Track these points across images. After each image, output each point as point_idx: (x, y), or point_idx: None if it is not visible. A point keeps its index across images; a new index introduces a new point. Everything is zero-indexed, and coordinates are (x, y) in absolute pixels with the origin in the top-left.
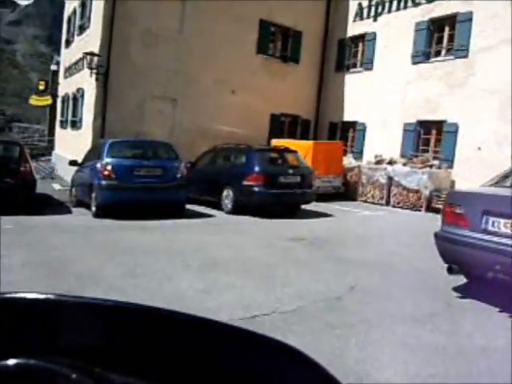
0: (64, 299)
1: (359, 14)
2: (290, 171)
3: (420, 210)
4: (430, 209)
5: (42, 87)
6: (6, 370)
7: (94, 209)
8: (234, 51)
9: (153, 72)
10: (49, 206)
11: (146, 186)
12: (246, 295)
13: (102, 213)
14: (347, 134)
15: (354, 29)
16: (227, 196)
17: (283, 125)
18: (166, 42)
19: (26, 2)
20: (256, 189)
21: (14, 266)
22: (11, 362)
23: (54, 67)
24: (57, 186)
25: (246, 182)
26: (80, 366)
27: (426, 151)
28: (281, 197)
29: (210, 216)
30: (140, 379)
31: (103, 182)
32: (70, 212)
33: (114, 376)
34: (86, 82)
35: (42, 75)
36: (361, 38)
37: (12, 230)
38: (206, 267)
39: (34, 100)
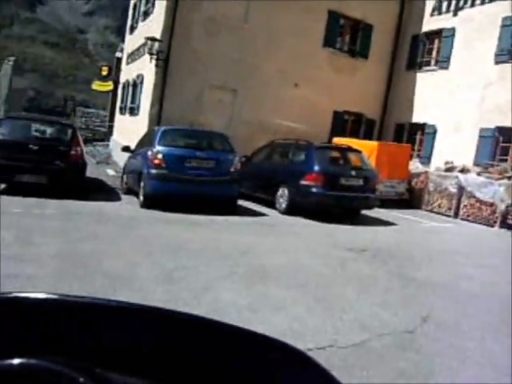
0: (66, 299)
1: (437, 8)
2: (353, 173)
3: (493, 226)
4: (504, 225)
5: (104, 73)
6: (10, 369)
7: (141, 198)
8: (299, 42)
9: (213, 61)
10: (100, 191)
11: (197, 178)
12: (299, 319)
13: (150, 203)
14: (415, 136)
15: (429, 24)
16: (282, 195)
17: (346, 123)
18: (229, 31)
19: None
20: (314, 189)
21: (43, 256)
22: (16, 361)
23: (118, 54)
24: (110, 172)
25: (303, 182)
26: (81, 366)
27: (505, 161)
28: (340, 200)
29: (262, 215)
30: (141, 379)
31: (153, 171)
32: (118, 199)
33: (115, 376)
34: (146, 68)
35: (109, 64)
36: (437, 33)
37: (54, 215)
38: (253, 275)
39: (97, 85)
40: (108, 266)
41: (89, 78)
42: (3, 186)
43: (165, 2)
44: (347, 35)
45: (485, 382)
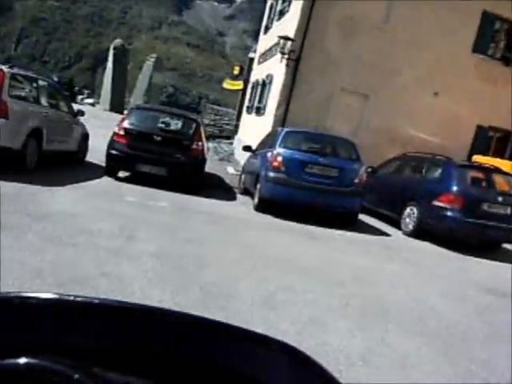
0: (67, 299)
1: None
2: (499, 199)
3: None
4: None
5: (236, 72)
6: (13, 369)
7: (256, 201)
8: (444, 47)
9: (346, 63)
10: (217, 188)
11: (318, 186)
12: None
13: (264, 207)
14: None
15: None
16: (410, 214)
17: (490, 140)
18: (366, 31)
19: None
20: (449, 213)
21: (143, 255)
22: (19, 361)
23: (251, 55)
24: (230, 170)
25: (437, 203)
26: (82, 366)
27: None
28: (481, 229)
29: (384, 234)
30: (141, 379)
31: (270, 174)
32: (233, 199)
33: (116, 376)
34: (277, 67)
35: (242, 64)
36: None
37: (166, 209)
38: (369, 312)
39: (227, 84)
40: (207, 277)
41: (223, 78)
42: (126, 174)
43: (301, 1)
44: (502, 41)
45: None
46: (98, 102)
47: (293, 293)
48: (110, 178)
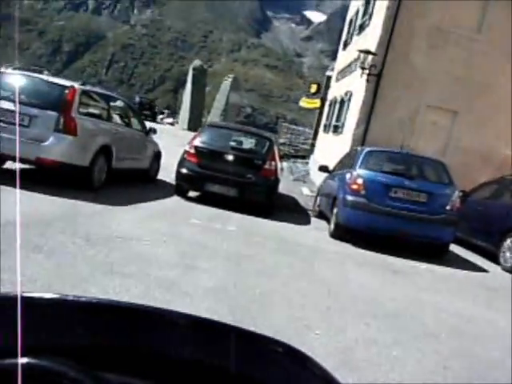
0: (66, 298)
1: None
2: None
3: None
4: None
5: (313, 90)
6: (16, 369)
7: (332, 226)
8: None
9: (433, 77)
10: (290, 210)
11: (403, 213)
12: None
13: (341, 234)
14: None
15: None
16: (510, 247)
17: None
18: (456, 42)
19: (319, 20)
20: None
21: (200, 289)
22: (23, 360)
23: (328, 73)
24: (305, 191)
25: None
26: (82, 366)
27: None
28: None
29: (479, 270)
30: (141, 380)
31: (349, 198)
32: (307, 222)
33: (116, 376)
34: (356, 84)
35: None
36: None
37: (233, 233)
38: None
39: (304, 102)
40: (273, 322)
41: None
42: (196, 193)
43: (384, 12)
44: None
45: None
46: (177, 122)
47: (375, 346)
48: (179, 198)
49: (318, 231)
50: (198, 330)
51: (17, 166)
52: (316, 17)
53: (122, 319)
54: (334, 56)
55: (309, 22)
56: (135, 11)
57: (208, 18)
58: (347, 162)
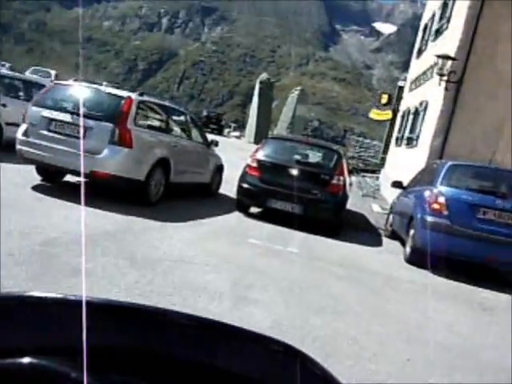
0: (67, 298)
1: None
2: None
3: None
4: None
5: (384, 101)
6: (19, 368)
7: (407, 250)
8: None
9: None
10: (359, 229)
11: (495, 237)
12: None
13: (418, 259)
14: None
15: None
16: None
17: None
18: None
19: (389, 31)
20: None
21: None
22: (25, 360)
23: (400, 83)
24: (375, 207)
25: None
26: (80, 366)
27: None
28: None
29: None
30: (141, 380)
31: (429, 218)
32: (379, 244)
33: (115, 376)
34: (433, 92)
35: (390, 93)
36: None
37: (295, 256)
38: None
39: (374, 113)
40: (340, 377)
41: (369, 110)
42: (257, 210)
43: (465, 13)
44: None
45: None
46: (243, 135)
47: None
48: (240, 214)
49: (391, 255)
50: (198, 329)
51: (81, 180)
52: (386, 28)
53: (122, 319)
54: (404, 67)
55: (378, 33)
56: (206, 29)
57: (276, 33)
58: (425, 177)
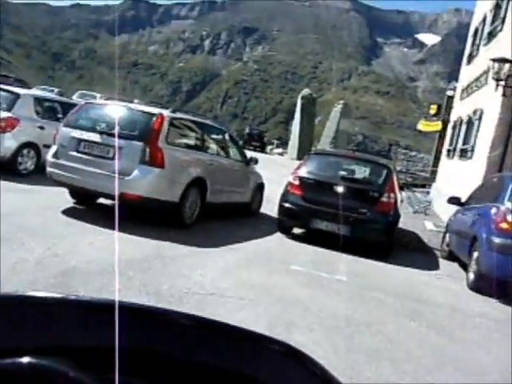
0: (67, 298)
1: None
2: None
3: None
4: None
5: (432, 111)
6: (19, 368)
7: (471, 276)
8: None
9: None
10: (412, 250)
11: None
12: None
13: (485, 286)
14: None
15: None
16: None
17: None
18: None
19: (433, 42)
20: None
21: None
22: (25, 360)
23: (449, 93)
24: (429, 225)
25: None
26: (83, 366)
27: None
28: None
29: None
30: (141, 379)
31: (496, 240)
32: (435, 267)
33: (115, 376)
34: (488, 99)
35: (439, 103)
36: None
37: (341, 285)
38: None
39: (423, 125)
40: None
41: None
42: (300, 230)
43: None
44: None
45: None
46: (286, 152)
47: None
48: (281, 235)
49: (451, 280)
50: (198, 329)
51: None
52: (429, 39)
53: (122, 319)
54: (450, 78)
55: (422, 44)
56: (247, 49)
57: (317, 49)
58: (487, 192)
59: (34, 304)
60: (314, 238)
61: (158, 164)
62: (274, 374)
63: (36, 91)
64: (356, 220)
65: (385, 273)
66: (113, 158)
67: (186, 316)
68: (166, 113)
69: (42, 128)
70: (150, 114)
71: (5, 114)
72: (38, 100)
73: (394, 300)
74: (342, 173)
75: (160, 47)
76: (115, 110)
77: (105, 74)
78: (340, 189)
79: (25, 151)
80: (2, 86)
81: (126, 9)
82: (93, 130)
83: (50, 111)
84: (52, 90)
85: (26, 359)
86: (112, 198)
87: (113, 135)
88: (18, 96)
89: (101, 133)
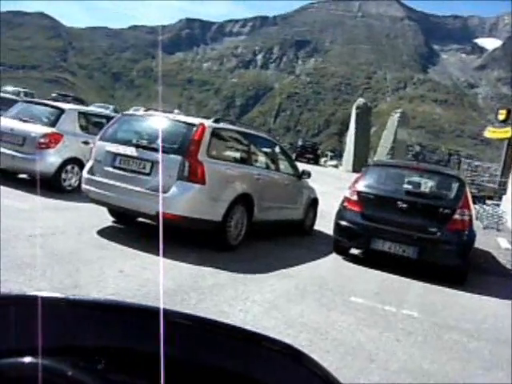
0: (68, 298)
1: None
2: None
3: None
4: None
5: (501, 117)
6: (21, 368)
7: None
8: None
9: None
10: (488, 273)
11: None
12: None
13: None
14: None
15: None
16: None
17: None
18: None
19: (494, 46)
20: None
21: None
22: (26, 360)
23: None
24: (503, 243)
25: None
26: (84, 365)
27: None
28: None
29: None
30: (142, 379)
31: None
32: (508, 297)
33: (116, 376)
34: None
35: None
36: None
37: (412, 322)
38: None
39: (490, 132)
40: None
41: (476, 132)
42: (357, 251)
43: None
44: None
45: None
46: (340, 164)
47: None
48: (338, 257)
49: None
50: (198, 329)
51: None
52: (489, 43)
53: (122, 319)
54: None
55: (481, 49)
56: (299, 62)
57: (371, 59)
58: None
59: (34, 304)
60: (374, 259)
61: (198, 179)
62: (275, 374)
63: (80, 106)
64: (424, 240)
65: (463, 305)
66: (149, 174)
67: (186, 316)
68: (208, 122)
69: (86, 143)
70: (189, 125)
71: (48, 130)
72: (84, 115)
73: (483, 345)
74: (407, 186)
75: (214, 64)
76: (152, 122)
77: (162, 91)
78: (404, 205)
79: (69, 167)
80: (46, 102)
81: (181, 28)
82: (129, 143)
83: (96, 126)
84: (108, 107)
85: (26, 359)
86: (149, 217)
87: (149, 148)
88: (62, 111)
89: (137, 146)
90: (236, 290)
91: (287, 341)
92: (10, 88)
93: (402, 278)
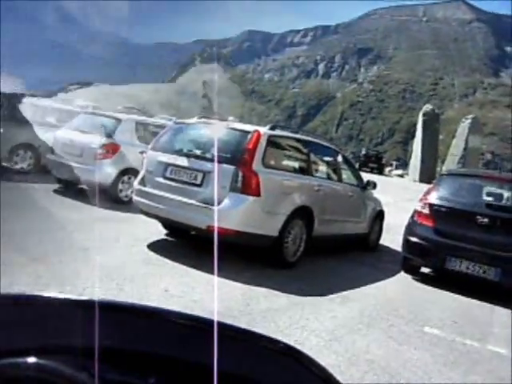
0: (68, 298)
1: None
2: None
3: None
4: None
5: None
6: (23, 368)
7: None
8: None
9: None
10: None
11: None
12: None
13: None
14: None
15: None
16: None
17: None
18: None
19: None
20: None
21: None
22: (30, 360)
23: None
24: None
25: None
26: (84, 365)
27: None
28: None
29: None
30: (142, 379)
31: None
32: None
33: (115, 376)
34: None
35: None
36: None
37: (500, 360)
38: None
39: None
40: None
41: None
42: (428, 270)
43: None
44: None
45: None
46: (406, 173)
47: None
48: (407, 276)
49: None
50: (198, 329)
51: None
52: None
53: (122, 319)
54: None
55: None
56: (362, 69)
57: (437, 65)
58: None
59: (34, 304)
60: (449, 279)
61: (253, 191)
62: (273, 374)
63: (138, 116)
64: (508, 261)
65: None
66: (201, 185)
67: (186, 316)
68: (263, 130)
69: (142, 153)
70: (243, 132)
71: (106, 140)
72: (142, 125)
73: None
74: (487, 199)
75: (275, 74)
76: (205, 130)
77: (224, 102)
78: (485, 219)
79: (126, 178)
80: (105, 112)
81: (243, 40)
82: (180, 152)
83: (154, 136)
84: (171, 119)
85: (26, 359)
86: (199, 231)
87: (201, 158)
88: (119, 121)
89: (188, 156)
90: (291, 316)
91: (348, 375)
92: (81, 102)
93: (483, 304)
